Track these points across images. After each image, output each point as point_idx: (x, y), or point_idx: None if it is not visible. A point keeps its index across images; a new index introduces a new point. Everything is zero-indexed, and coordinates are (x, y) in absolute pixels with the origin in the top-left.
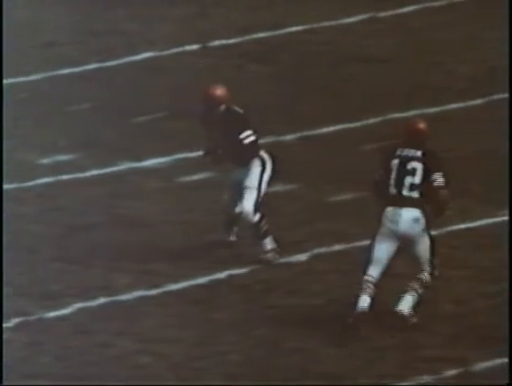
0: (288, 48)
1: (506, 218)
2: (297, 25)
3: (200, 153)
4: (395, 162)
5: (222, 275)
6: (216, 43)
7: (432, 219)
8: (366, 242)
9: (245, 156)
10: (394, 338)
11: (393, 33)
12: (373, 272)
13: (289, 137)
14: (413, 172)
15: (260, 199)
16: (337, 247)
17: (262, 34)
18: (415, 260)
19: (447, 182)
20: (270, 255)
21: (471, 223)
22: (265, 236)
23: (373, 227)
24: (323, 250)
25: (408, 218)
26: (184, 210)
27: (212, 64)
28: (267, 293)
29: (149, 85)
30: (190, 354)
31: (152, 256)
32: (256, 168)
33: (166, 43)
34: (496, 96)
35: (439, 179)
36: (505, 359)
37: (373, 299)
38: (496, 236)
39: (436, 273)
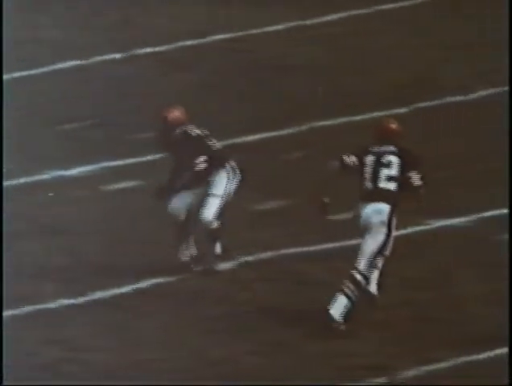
0: (213, 56)
1: (430, 226)
2: (221, 33)
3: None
4: (370, 158)
5: (148, 283)
6: (141, 51)
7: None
8: (293, 250)
9: (212, 168)
10: (322, 345)
11: (318, 41)
12: (359, 264)
13: None
14: (388, 164)
15: (222, 208)
16: (263, 255)
17: (186, 43)
18: (359, 251)
19: (423, 181)
20: (217, 261)
21: (396, 232)
22: (215, 241)
23: (299, 235)
24: (249, 258)
25: (371, 209)
26: (110, 218)
27: (137, 72)
28: (194, 301)
29: (74, 94)
30: (117, 362)
31: (78, 264)
32: (223, 177)
33: (91, 51)
34: (422, 104)
35: (415, 177)
36: (433, 366)
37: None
38: (421, 245)
39: (374, 289)
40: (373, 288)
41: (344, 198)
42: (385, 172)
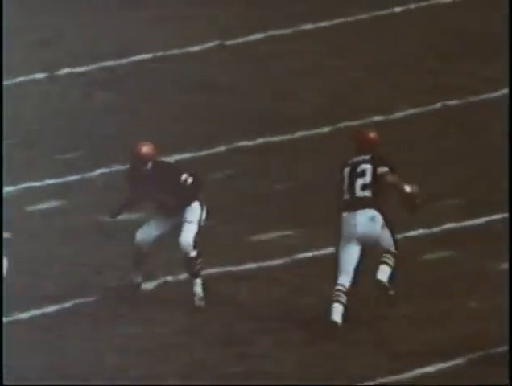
0: (135, 76)
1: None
2: (144, 53)
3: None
4: (346, 169)
5: (69, 304)
6: (64, 71)
7: (409, 215)
8: (215, 270)
9: (187, 197)
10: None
11: (240, 61)
12: (343, 280)
13: None
14: (362, 173)
15: (197, 235)
16: (183, 276)
17: (108, 63)
18: (380, 247)
19: (392, 169)
20: (197, 301)
21: (317, 252)
22: (197, 275)
23: (222, 256)
24: (170, 279)
25: (364, 219)
26: (33, 237)
27: (59, 93)
28: (114, 321)
29: None
30: (39, 382)
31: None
32: (196, 203)
33: (13, 71)
34: (344, 124)
35: (383, 169)
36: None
37: (345, 307)
38: None
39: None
40: (381, 276)
41: (265, 219)
42: (359, 181)
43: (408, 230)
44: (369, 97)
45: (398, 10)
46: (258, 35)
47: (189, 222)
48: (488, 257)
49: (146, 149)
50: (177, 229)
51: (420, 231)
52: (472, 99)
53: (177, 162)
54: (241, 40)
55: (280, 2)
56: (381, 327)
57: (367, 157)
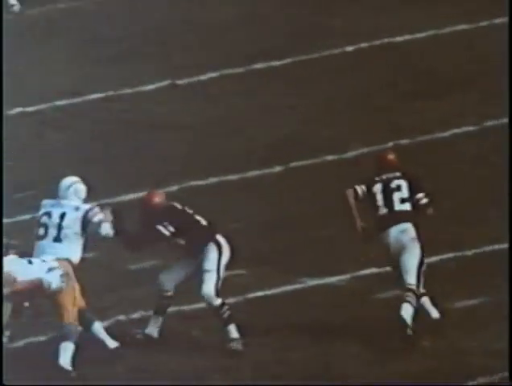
0: (87, 116)
1: (303, 285)
2: (95, 92)
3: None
4: (378, 186)
5: (22, 342)
6: (15, 110)
7: None
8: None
9: (200, 240)
10: None
11: (191, 100)
12: (410, 280)
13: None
14: (399, 188)
15: (220, 283)
16: (136, 315)
17: (60, 102)
18: (403, 270)
19: (430, 201)
20: (234, 344)
21: (268, 291)
22: (228, 322)
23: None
24: (122, 317)
25: (395, 231)
26: None
27: (10, 132)
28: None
29: None
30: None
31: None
32: (213, 252)
33: None
34: (294, 164)
35: (423, 199)
36: None
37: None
38: (294, 303)
39: (421, 290)
40: (434, 313)
41: None
42: (397, 195)
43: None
44: (322, 136)
45: (350, 48)
46: (210, 74)
47: (208, 271)
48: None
49: (158, 197)
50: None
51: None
52: (424, 138)
53: (129, 201)
54: (192, 79)
55: (232, 41)
56: None
57: (398, 174)
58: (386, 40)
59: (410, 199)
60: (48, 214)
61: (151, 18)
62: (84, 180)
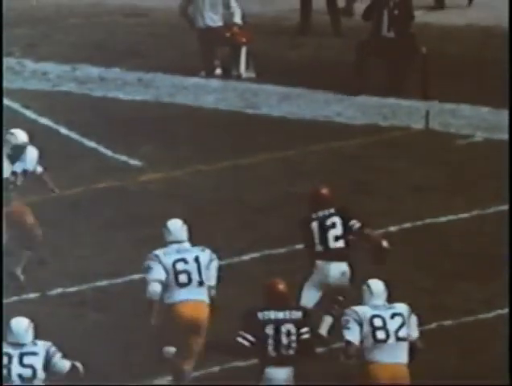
0: (127, 296)
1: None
2: (136, 273)
3: None
4: (314, 224)
5: None
6: (55, 291)
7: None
8: None
9: None
10: None
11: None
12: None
13: None
14: (333, 225)
15: None
16: None
17: (100, 283)
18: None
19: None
20: None
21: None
22: None
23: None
24: None
25: (336, 272)
26: None
27: (51, 313)
28: None
29: None
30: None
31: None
32: None
33: None
34: None
35: (356, 224)
36: None
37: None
38: None
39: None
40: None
41: None
42: (332, 233)
43: None
44: None
45: (393, 229)
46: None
47: None
48: None
49: None
50: None
51: None
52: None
53: None
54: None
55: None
56: None
57: (332, 210)
58: (428, 220)
59: (344, 235)
60: None
61: (191, 197)
62: None
